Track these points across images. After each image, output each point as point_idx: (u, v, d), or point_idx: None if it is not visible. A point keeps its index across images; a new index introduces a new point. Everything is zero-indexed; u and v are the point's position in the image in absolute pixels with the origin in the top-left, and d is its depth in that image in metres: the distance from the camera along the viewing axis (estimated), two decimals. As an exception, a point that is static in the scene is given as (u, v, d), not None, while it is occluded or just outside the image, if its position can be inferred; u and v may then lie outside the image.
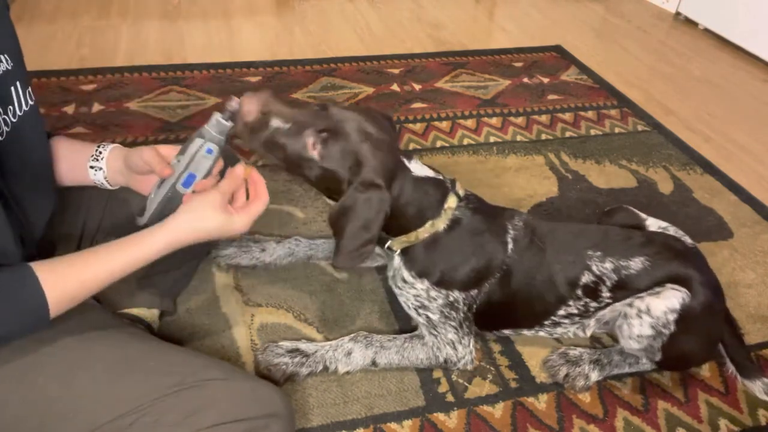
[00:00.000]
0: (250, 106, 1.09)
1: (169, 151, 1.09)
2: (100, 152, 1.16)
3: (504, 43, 2.89)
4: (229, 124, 1.05)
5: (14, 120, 0.97)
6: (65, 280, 0.92)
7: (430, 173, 1.24)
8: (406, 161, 1.22)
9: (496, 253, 1.26)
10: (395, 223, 1.20)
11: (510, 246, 1.26)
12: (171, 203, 1.03)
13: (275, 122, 1.10)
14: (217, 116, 1.05)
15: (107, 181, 1.17)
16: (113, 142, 1.92)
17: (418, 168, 1.23)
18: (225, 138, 1.06)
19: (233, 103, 1.06)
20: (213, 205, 1.01)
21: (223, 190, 1.03)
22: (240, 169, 1.06)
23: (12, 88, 0.98)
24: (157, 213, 1.04)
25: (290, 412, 1.02)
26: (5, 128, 0.95)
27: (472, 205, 1.27)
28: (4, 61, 0.96)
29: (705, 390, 1.35)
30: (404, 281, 1.27)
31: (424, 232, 1.22)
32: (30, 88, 1.02)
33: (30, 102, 1.01)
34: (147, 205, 1.05)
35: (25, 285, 0.88)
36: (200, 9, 2.97)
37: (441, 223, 1.23)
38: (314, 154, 1.11)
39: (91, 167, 1.16)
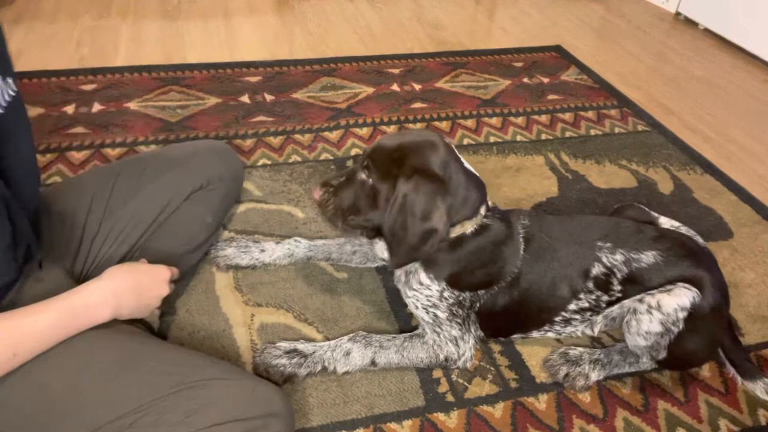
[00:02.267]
0: (315, 194, 1.27)
1: None
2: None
3: (504, 43, 2.89)
4: None
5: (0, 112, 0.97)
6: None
7: (475, 171, 1.26)
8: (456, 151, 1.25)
9: (511, 258, 1.27)
10: None
11: (522, 247, 1.27)
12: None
13: (335, 182, 1.25)
14: None
15: None
16: (113, 142, 1.94)
17: (464, 162, 1.25)
18: None
19: None
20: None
21: None
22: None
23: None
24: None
25: (290, 412, 1.02)
26: None
27: (498, 214, 1.29)
28: None
29: (705, 390, 1.35)
30: (420, 283, 1.28)
31: (452, 233, 1.23)
32: (12, 79, 1.01)
33: (12, 93, 1.01)
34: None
35: None
36: (200, 9, 2.97)
37: (470, 226, 1.23)
38: (368, 182, 1.21)
39: None
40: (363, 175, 1.21)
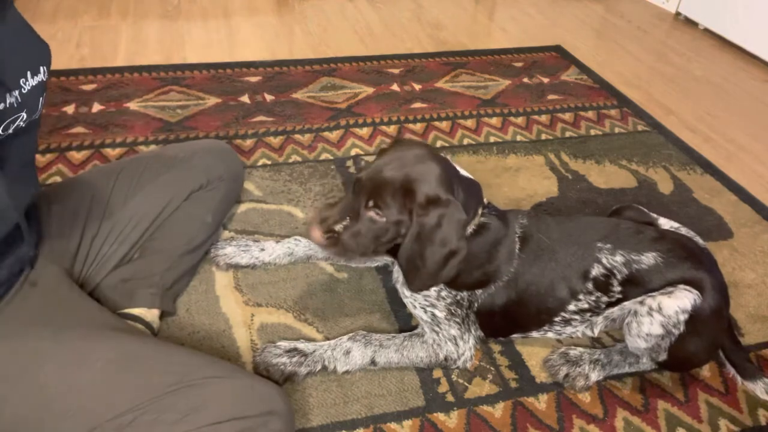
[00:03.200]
0: (315, 237, 1.19)
1: None
2: None
3: (504, 43, 2.89)
4: None
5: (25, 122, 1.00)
6: None
7: (469, 175, 1.26)
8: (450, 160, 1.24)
9: (507, 257, 1.27)
10: None
11: (517, 247, 1.27)
12: None
13: (338, 227, 1.18)
14: None
15: None
16: (113, 142, 1.94)
17: (459, 168, 1.25)
18: None
19: None
20: None
21: None
22: None
23: (40, 98, 1.03)
24: None
25: (289, 410, 1.02)
26: (21, 124, 0.99)
27: (495, 212, 1.28)
28: (41, 72, 1.02)
29: (705, 390, 1.35)
30: None
31: None
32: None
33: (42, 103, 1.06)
34: None
35: None
36: (200, 9, 2.97)
37: (470, 228, 1.24)
38: (381, 220, 1.16)
39: None
40: (372, 214, 1.16)
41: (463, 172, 1.26)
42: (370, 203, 1.16)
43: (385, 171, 1.16)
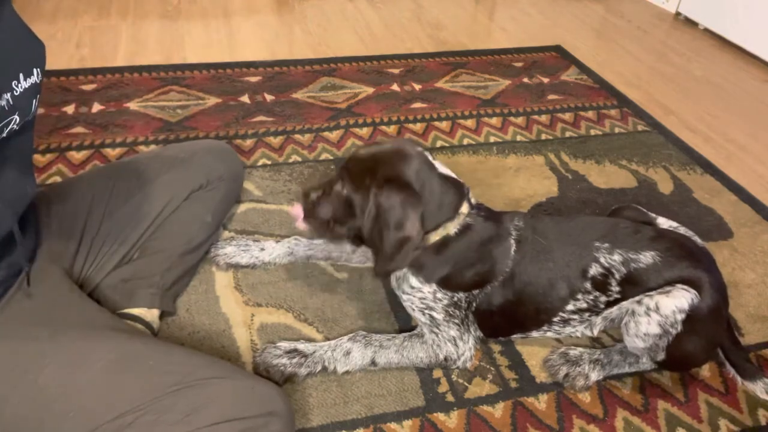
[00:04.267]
0: (296, 210, 1.31)
1: None
2: None
3: (504, 43, 2.89)
4: None
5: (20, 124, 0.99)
6: None
7: (452, 174, 1.26)
8: (430, 157, 1.25)
9: (501, 258, 1.27)
10: None
11: (513, 248, 1.27)
12: None
13: (313, 195, 1.27)
14: None
15: None
16: (113, 142, 1.94)
17: (440, 166, 1.25)
18: None
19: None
20: None
21: None
22: None
23: (34, 101, 1.02)
24: None
25: (290, 411, 1.02)
26: (14, 127, 0.97)
27: (483, 213, 1.28)
28: (35, 73, 1.00)
29: (705, 390, 1.35)
30: (411, 287, 1.28)
31: (435, 235, 1.23)
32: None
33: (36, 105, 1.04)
34: None
35: None
36: (200, 9, 2.97)
37: (453, 228, 1.23)
38: (343, 193, 1.22)
39: None
40: (338, 186, 1.23)
41: (446, 171, 1.26)
42: (340, 175, 1.23)
43: (361, 151, 1.24)
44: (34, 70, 1.00)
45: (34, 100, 1.02)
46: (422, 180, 1.19)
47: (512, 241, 1.27)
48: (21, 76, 0.97)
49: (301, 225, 1.31)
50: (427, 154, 1.25)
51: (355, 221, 1.23)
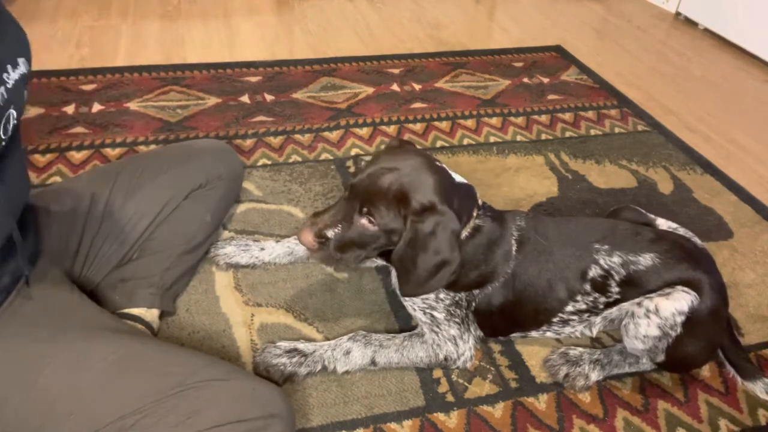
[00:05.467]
0: (306, 240, 1.18)
1: None
2: None
3: (504, 43, 2.89)
4: None
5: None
6: None
7: (464, 180, 1.26)
8: (446, 168, 1.22)
9: (503, 259, 1.27)
10: None
11: (514, 248, 1.27)
12: None
13: (330, 233, 1.17)
14: None
15: None
16: (113, 142, 1.94)
17: (455, 175, 1.24)
18: None
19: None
20: None
21: None
22: None
23: (25, 91, 1.00)
24: None
25: (291, 413, 1.02)
26: (14, 122, 0.96)
27: (489, 213, 1.28)
28: (21, 63, 0.98)
29: (705, 390, 1.35)
30: None
31: None
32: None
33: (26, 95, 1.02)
34: None
35: None
36: (200, 9, 2.96)
37: (464, 232, 1.23)
38: (373, 228, 1.15)
39: None
40: (365, 221, 1.16)
41: (458, 177, 1.25)
42: (364, 210, 1.15)
43: (380, 178, 1.15)
44: (19, 60, 0.98)
45: (24, 92, 1.00)
46: (449, 196, 1.17)
47: (514, 242, 1.27)
48: (9, 67, 0.95)
49: (313, 257, 1.24)
50: (443, 166, 1.23)
51: (379, 249, 1.20)
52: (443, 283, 1.18)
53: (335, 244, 1.17)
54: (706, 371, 1.39)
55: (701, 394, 1.34)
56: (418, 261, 1.15)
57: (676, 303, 1.22)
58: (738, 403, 1.33)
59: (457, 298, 1.28)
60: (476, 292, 1.29)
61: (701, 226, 1.80)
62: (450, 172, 1.24)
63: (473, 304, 1.30)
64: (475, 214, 1.25)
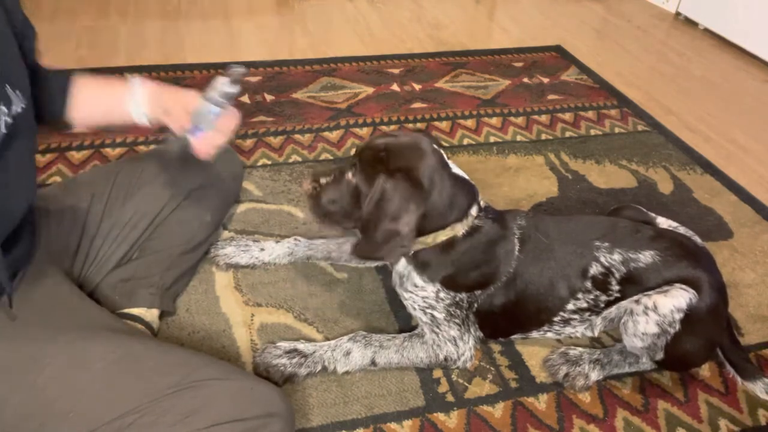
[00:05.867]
0: (305, 185, 1.28)
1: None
2: (134, 91, 1.23)
3: (504, 43, 2.89)
4: (234, 90, 1.19)
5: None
6: None
7: (465, 175, 1.25)
8: (445, 156, 1.24)
9: (505, 259, 1.27)
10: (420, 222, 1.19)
11: (516, 248, 1.27)
12: (186, 147, 1.22)
13: (323, 180, 1.26)
14: (222, 84, 1.19)
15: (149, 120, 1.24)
16: (113, 142, 1.93)
17: (454, 167, 1.24)
18: (230, 100, 1.21)
19: (239, 69, 1.18)
20: None
21: None
22: None
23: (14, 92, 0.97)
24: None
25: (290, 412, 1.01)
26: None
27: (491, 215, 1.28)
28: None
29: (705, 390, 1.35)
30: (415, 285, 1.28)
31: (443, 235, 1.23)
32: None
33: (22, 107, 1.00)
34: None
35: None
36: (200, 9, 2.96)
37: (461, 229, 1.23)
38: (353, 180, 1.21)
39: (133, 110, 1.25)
40: (349, 174, 1.22)
41: (459, 172, 1.26)
42: (353, 162, 1.22)
43: (376, 140, 1.22)
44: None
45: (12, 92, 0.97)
46: (434, 178, 1.18)
47: (516, 241, 1.27)
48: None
49: (307, 207, 1.32)
50: (442, 152, 1.25)
51: (357, 210, 1.22)
52: (395, 257, 1.21)
53: (325, 193, 1.25)
54: (706, 371, 1.39)
55: (701, 394, 1.34)
56: (378, 223, 1.16)
57: (675, 300, 1.22)
58: (738, 403, 1.33)
59: (457, 299, 1.28)
60: (478, 292, 1.29)
61: (701, 226, 1.80)
62: (452, 166, 1.24)
63: (475, 305, 1.30)
64: (474, 213, 1.25)
